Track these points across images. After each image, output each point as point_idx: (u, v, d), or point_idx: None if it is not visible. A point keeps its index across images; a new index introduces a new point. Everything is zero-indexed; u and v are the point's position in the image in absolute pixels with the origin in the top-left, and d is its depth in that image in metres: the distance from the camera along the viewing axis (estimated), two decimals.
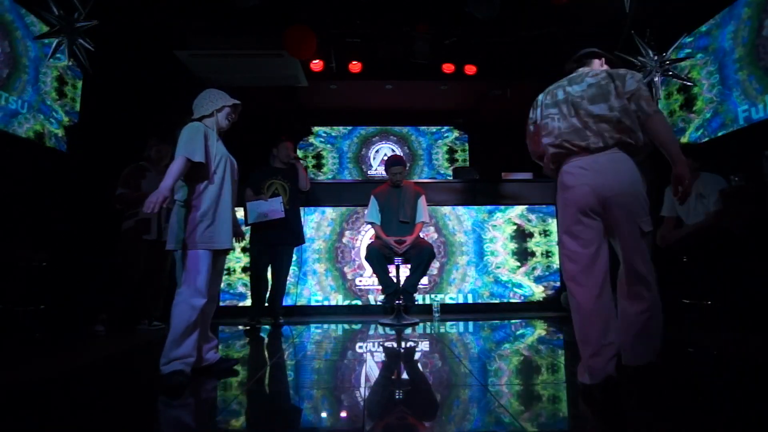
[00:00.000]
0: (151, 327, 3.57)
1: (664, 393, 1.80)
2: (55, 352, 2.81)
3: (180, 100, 2.44)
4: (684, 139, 4.01)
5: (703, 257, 3.25)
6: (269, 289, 3.86)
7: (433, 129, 7.12)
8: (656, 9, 3.72)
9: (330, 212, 4.59)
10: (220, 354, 2.43)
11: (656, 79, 3.68)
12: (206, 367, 2.27)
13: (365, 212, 4.13)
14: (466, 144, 7.09)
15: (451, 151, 7.10)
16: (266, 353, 2.92)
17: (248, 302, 4.21)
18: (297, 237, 3.88)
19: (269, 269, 3.85)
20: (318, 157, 7.00)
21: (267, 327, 3.74)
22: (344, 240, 4.54)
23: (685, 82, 3.82)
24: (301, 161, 4.00)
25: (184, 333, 2.06)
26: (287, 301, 4.43)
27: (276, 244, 3.76)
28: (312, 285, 4.48)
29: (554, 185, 5.28)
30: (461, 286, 4.52)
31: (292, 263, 3.97)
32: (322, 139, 7.05)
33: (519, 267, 4.54)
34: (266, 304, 3.83)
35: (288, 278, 3.97)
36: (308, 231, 4.51)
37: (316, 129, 7.01)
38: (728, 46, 3.59)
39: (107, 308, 3.42)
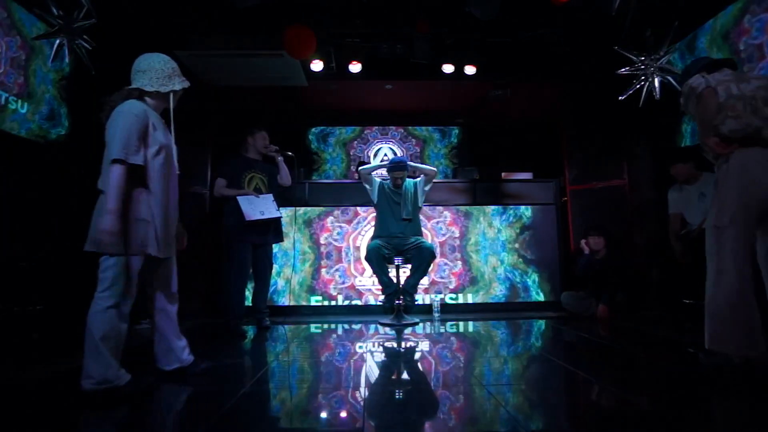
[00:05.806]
0: None
1: None
2: (53, 352, 2.81)
3: (181, 100, 2.41)
4: (683, 141, 4.00)
5: (703, 257, 3.24)
6: (253, 292, 3.71)
7: (433, 129, 7.11)
8: (656, 8, 3.71)
9: (330, 212, 4.58)
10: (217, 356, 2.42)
11: (655, 80, 3.65)
12: (179, 369, 2.12)
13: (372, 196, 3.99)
14: (466, 144, 7.08)
15: (451, 151, 7.09)
16: (266, 354, 2.91)
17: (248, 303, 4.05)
18: (278, 234, 3.70)
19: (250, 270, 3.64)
20: (318, 156, 6.99)
21: (253, 327, 3.68)
22: (344, 240, 4.54)
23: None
24: (289, 153, 3.68)
25: (117, 341, 1.86)
26: (287, 301, 4.42)
27: (259, 244, 3.54)
28: (312, 285, 4.47)
29: (556, 185, 5.20)
30: (461, 286, 4.51)
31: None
32: (322, 140, 7.04)
33: (519, 266, 4.54)
34: (249, 305, 3.70)
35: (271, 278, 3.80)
36: (308, 230, 4.51)
37: (314, 129, 6.99)
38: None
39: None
